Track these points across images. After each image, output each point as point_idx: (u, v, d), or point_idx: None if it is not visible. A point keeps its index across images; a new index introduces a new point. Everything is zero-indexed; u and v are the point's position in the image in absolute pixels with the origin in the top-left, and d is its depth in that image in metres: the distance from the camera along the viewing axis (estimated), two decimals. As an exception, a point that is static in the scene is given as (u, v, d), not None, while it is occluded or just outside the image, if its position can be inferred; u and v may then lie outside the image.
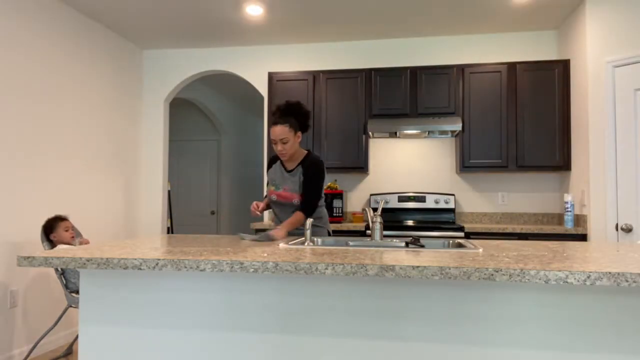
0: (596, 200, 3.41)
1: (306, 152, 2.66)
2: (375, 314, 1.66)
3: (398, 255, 1.68)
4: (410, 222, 4.01)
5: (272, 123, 2.52)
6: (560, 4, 3.69)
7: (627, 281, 1.31)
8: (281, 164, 2.67)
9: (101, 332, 1.81)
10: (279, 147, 2.51)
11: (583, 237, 3.50)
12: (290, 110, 2.56)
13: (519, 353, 1.57)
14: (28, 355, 3.12)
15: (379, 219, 2.23)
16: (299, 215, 2.48)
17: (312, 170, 2.55)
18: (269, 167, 2.74)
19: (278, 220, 2.69)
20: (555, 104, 3.84)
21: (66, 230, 3.20)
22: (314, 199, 2.53)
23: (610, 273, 1.32)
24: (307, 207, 2.51)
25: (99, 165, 4.15)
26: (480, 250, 1.85)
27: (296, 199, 2.56)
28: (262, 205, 2.58)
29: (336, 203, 4.03)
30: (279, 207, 2.66)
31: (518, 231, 3.58)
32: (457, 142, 4.17)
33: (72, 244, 3.19)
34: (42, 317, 3.49)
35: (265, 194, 2.87)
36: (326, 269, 1.47)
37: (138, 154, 4.76)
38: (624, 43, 3.31)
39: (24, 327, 3.33)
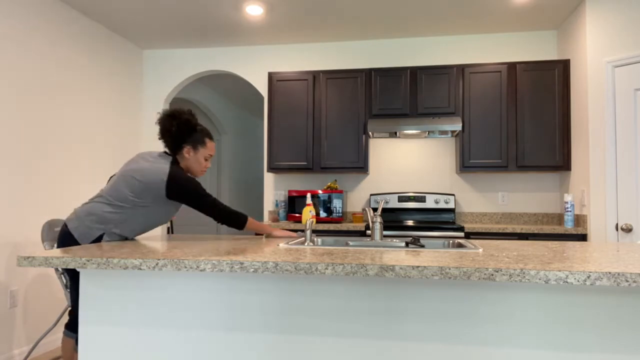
0: (596, 200, 3.41)
1: None
2: (375, 314, 1.66)
3: (398, 255, 1.68)
4: (410, 222, 4.01)
5: (209, 137, 2.41)
6: (560, 4, 3.69)
7: (627, 281, 1.31)
8: None
9: (101, 332, 1.81)
10: (208, 164, 2.47)
11: (583, 237, 3.50)
12: None
13: (519, 353, 1.57)
14: (28, 355, 3.12)
15: (379, 219, 2.23)
16: None
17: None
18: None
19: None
20: (555, 104, 3.84)
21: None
22: None
23: (610, 273, 1.32)
24: None
25: (99, 165, 4.15)
26: (480, 250, 1.85)
27: None
28: None
29: (336, 203, 4.03)
30: None
31: (518, 231, 3.58)
32: (457, 142, 4.17)
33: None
34: (42, 317, 3.49)
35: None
36: (326, 269, 1.47)
37: (138, 154, 4.76)
38: (624, 43, 3.31)
39: (24, 327, 3.33)
